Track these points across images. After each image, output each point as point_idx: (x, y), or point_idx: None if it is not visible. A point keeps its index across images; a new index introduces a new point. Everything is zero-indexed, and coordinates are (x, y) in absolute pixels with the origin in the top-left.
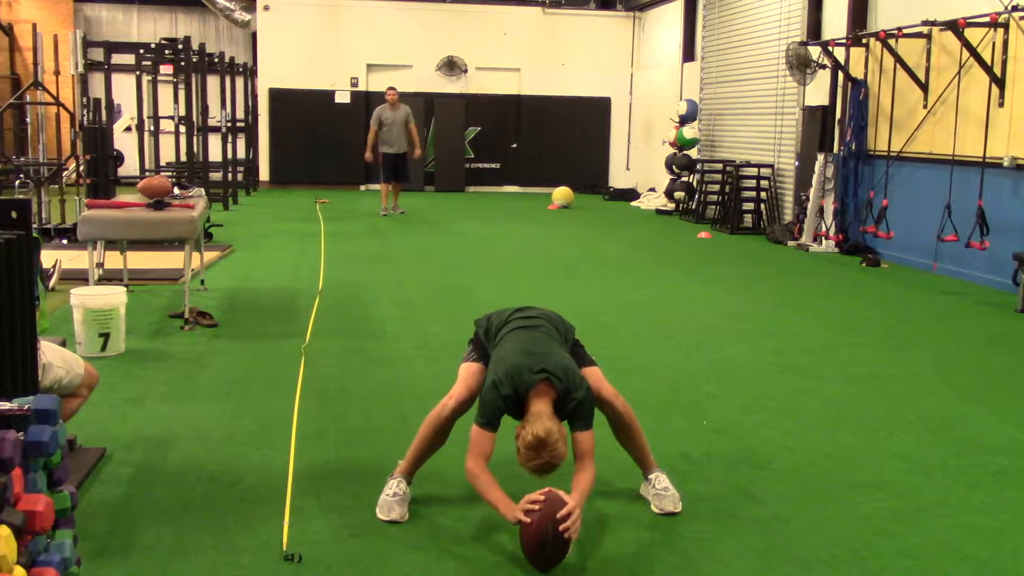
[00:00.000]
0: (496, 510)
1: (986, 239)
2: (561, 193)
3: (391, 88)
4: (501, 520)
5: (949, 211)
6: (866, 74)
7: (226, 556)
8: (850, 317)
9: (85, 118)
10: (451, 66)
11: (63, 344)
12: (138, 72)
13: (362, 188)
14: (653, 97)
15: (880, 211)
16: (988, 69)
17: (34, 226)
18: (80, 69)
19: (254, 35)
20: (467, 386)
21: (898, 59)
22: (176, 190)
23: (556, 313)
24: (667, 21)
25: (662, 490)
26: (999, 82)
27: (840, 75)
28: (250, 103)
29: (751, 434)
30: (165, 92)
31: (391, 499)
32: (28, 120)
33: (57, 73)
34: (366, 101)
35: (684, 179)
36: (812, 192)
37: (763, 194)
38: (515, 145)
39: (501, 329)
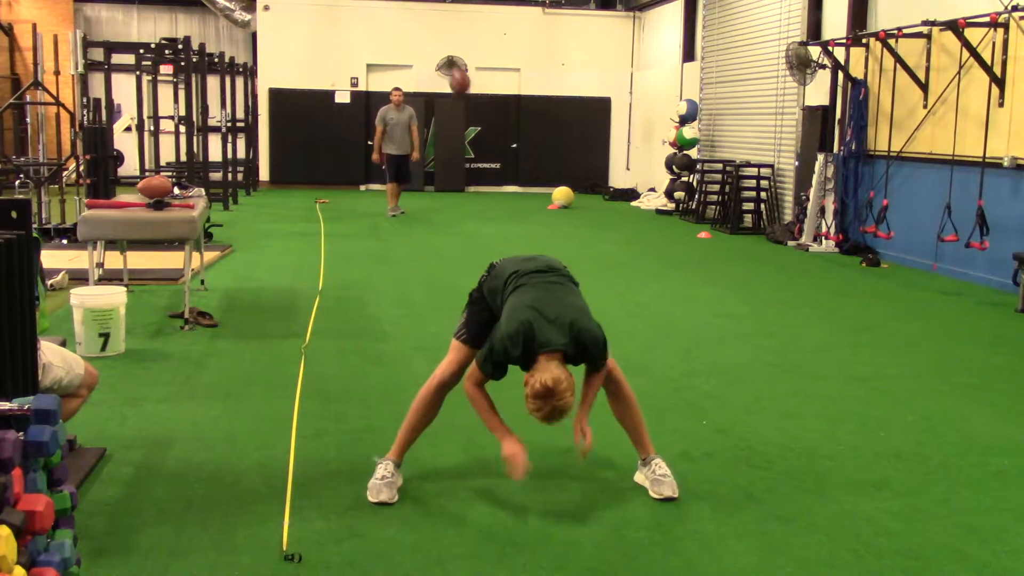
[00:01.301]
0: (491, 431)
1: (986, 239)
2: (561, 193)
3: (396, 89)
4: (502, 521)
5: (949, 211)
6: (866, 74)
7: (226, 556)
8: (850, 317)
9: (85, 118)
10: (451, 66)
11: (63, 344)
12: (138, 72)
13: (362, 188)
14: (653, 97)
15: (880, 211)
16: (988, 69)
17: (34, 226)
18: (80, 69)
19: (254, 35)
20: (456, 360)
21: (898, 59)
22: (176, 190)
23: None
24: (667, 21)
25: (661, 475)
26: (999, 82)
27: (840, 75)
28: (250, 103)
29: (751, 434)
30: (165, 92)
31: (380, 482)
32: (28, 120)
33: (57, 73)
34: (366, 101)
35: (684, 179)
36: (812, 192)
37: (763, 194)
38: (515, 145)
39: (512, 279)
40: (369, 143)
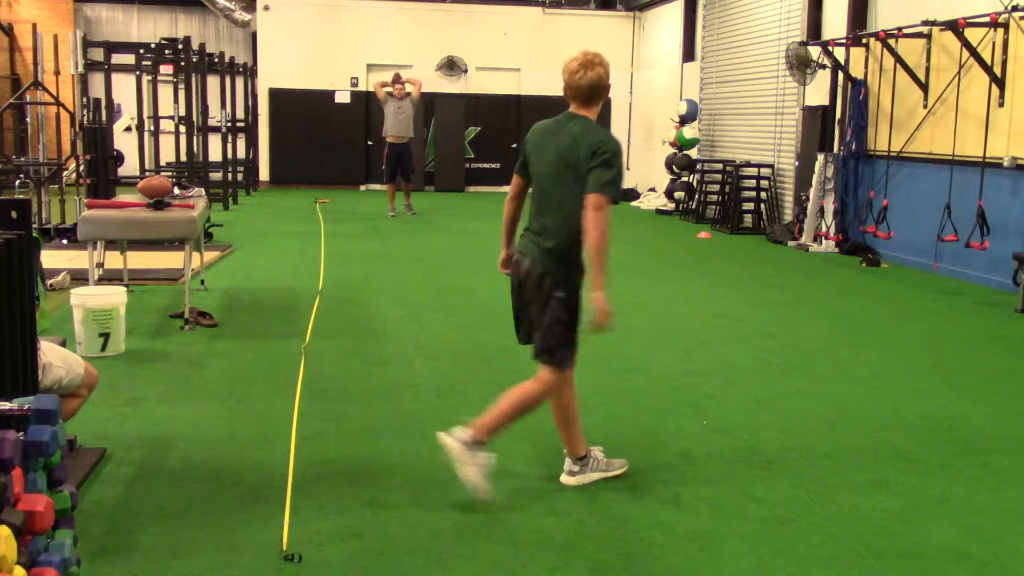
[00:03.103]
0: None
1: (986, 239)
2: None
3: (397, 76)
4: (502, 522)
5: (949, 211)
6: (866, 74)
7: (226, 556)
8: (850, 317)
9: (85, 118)
10: (451, 66)
11: (63, 344)
12: (138, 72)
13: (362, 188)
14: (653, 97)
15: (880, 211)
16: (988, 69)
17: (34, 226)
18: (80, 69)
19: (254, 35)
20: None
21: (898, 59)
22: (176, 190)
23: None
24: (667, 21)
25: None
26: (999, 82)
27: (840, 75)
28: (250, 103)
29: (751, 434)
30: (165, 92)
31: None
32: (28, 120)
33: (57, 73)
34: (366, 101)
35: (684, 179)
36: (812, 192)
37: (763, 194)
38: (515, 145)
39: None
40: (369, 143)
